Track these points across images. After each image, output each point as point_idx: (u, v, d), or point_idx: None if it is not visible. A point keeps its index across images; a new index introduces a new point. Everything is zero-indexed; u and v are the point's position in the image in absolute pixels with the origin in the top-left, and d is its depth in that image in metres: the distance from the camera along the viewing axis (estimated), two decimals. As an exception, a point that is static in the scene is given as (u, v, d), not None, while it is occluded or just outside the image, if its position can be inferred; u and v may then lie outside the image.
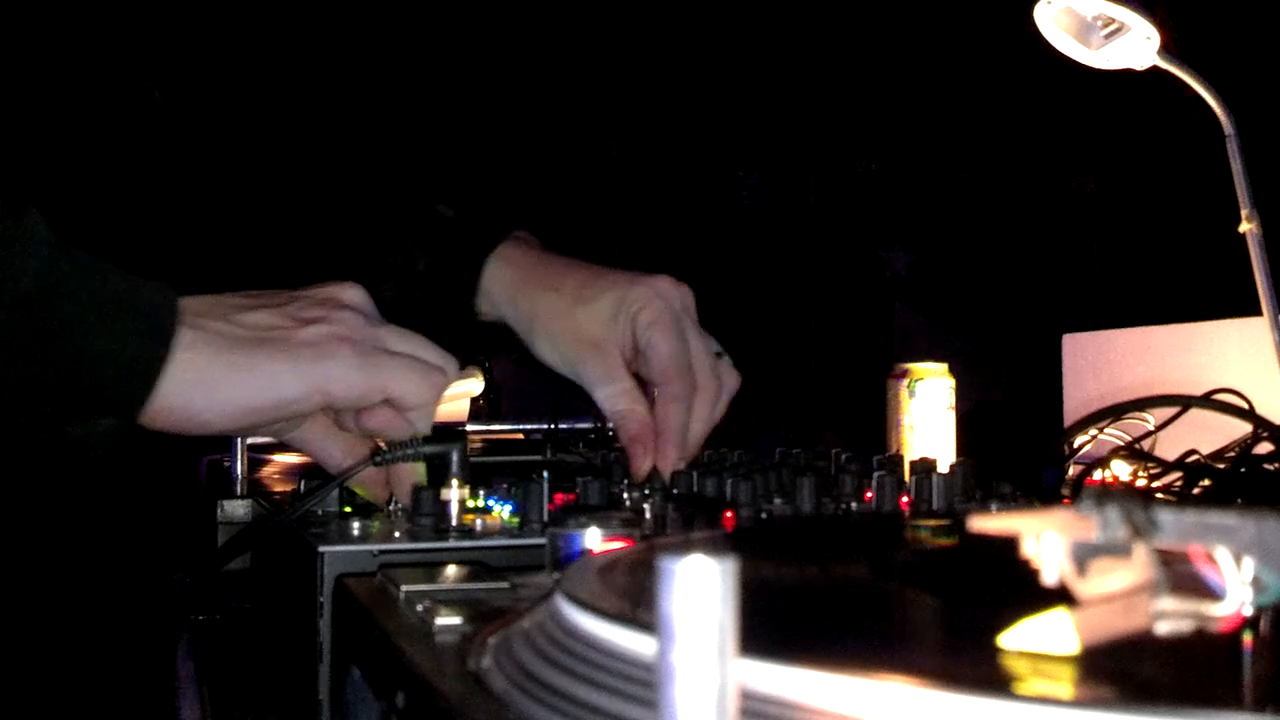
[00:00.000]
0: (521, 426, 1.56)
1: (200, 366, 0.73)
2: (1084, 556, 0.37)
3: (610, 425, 0.96)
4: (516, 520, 0.79)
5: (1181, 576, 0.37)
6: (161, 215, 0.96)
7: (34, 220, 0.69)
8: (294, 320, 0.78)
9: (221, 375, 0.74)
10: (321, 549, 0.69)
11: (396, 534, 0.73)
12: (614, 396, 0.93)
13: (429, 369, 0.81)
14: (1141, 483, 1.13)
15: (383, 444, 0.84)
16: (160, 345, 0.71)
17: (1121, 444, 1.23)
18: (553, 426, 1.41)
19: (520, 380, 1.51)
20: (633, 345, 0.95)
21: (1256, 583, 0.37)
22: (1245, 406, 1.17)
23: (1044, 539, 0.38)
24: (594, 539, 0.58)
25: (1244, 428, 1.13)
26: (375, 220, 1.02)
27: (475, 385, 1.44)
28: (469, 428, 1.41)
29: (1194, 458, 1.11)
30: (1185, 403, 1.20)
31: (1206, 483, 1.05)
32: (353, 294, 0.83)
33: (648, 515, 0.76)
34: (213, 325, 0.75)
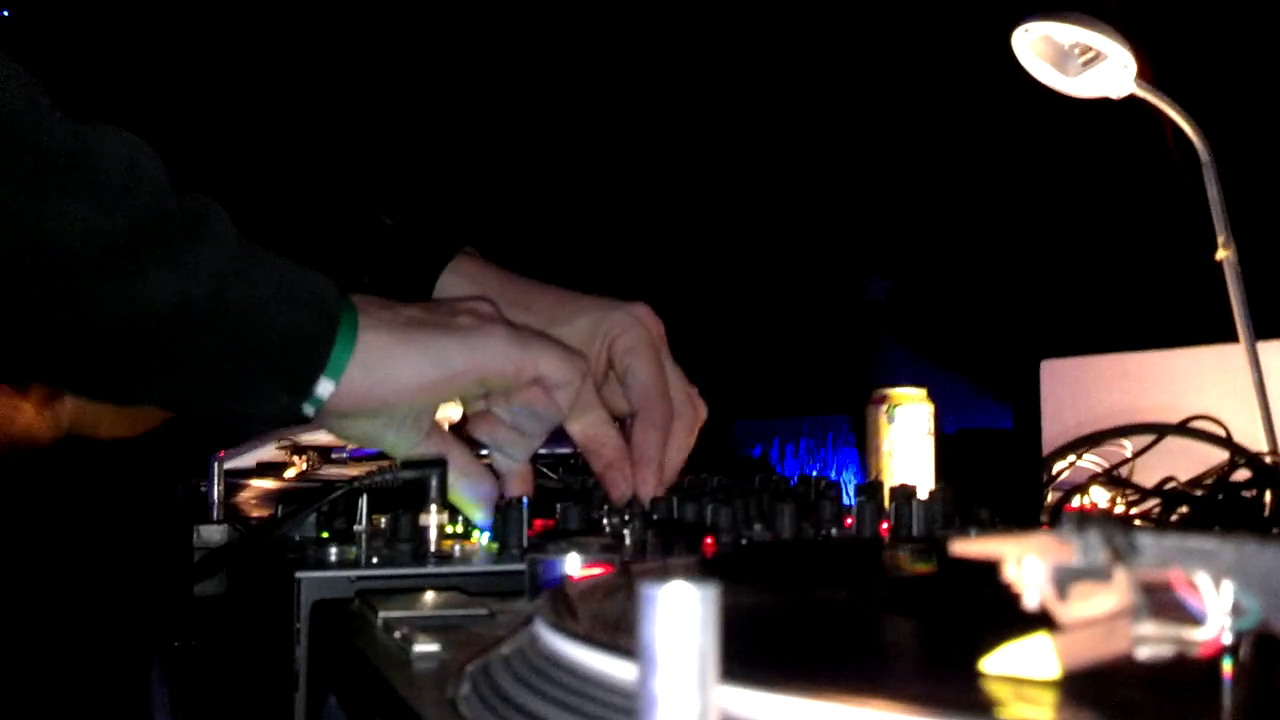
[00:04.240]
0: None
1: (380, 345, 0.77)
2: (1065, 581, 0.37)
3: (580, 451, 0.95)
4: (495, 546, 0.78)
5: (1162, 601, 0.37)
6: None
7: (218, 210, 0.72)
8: (443, 313, 0.83)
9: (400, 352, 0.78)
10: (298, 574, 0.68)
11: (374, 560, 0.73)
12: (588, 422, 0.92)
13: (571, 352, 0.86)
14: (1120, 509, 1.14)
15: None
16: (329, 325, 0.75)
17: (1099, 470, 1.24)
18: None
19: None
20: (604, 370, 0.95)
21: (1236, 608, 0.37)
22: (1222, 433, 1.17)
23: (1025, 563, 0.38)
24: (574, 565, 0.58)
25: (1221, 454, 1.13)
26: (310, 230, 1.01)
27: (455, 410, 1.43)
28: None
29: (1172, 484, 1.11)
30: (1162, 431, 1.21)
31: (1184, 510, 1.06)
32: (487, 302, 0.88)
33: (627, 541, 0.76)
34: (379, 313, 0.79)
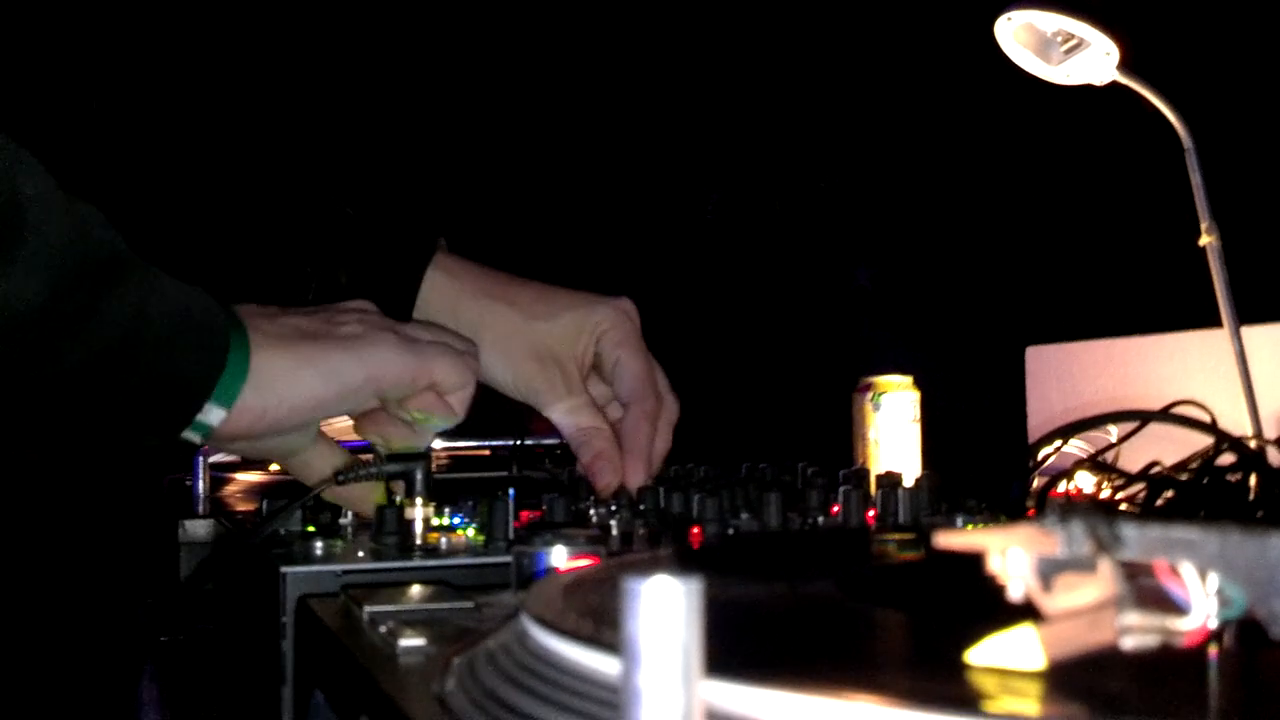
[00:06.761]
0: (487, 443, 1.56)
1: (272, 366, 0.75)
2: (1049, 572, 0.37)
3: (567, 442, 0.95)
4: (481, 538, 0.78)
5: (1146, 591, 0.37)
6: None
7: (121, 242, 0.70)
8: (328, 322, 0.81)
9: (292, 370, 0.76)
10: (284, 569, 0.68)
11: (360, 554, 0.73)
12: (576, 413, 0.92)
13: (462, 354, 0.84)
14: (1105, 495, 1.14)
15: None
16: (217, 358, 0.73)
17: (1085, 456, 1.24)
18: (519, 442, 1.41)
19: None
20: (590, 364, 0.95)
21: (1221, 596, 0.37)
22: (1207, 419, 1.18)
23: (1009, 555, 0.38)
24: (560, 557, 0.58)
25: (1206, 439, 1.13)
26: (276, 226, 0.98)
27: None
28: (434, 444, 1.40)
29: (1157, 469, 1.11)
30: (1146, 416, 1.21)
31: (1170, 494, 1.06)
32: (368, 304, 0.86)
33: (614, 532, 0.76)
34: (265, 326, 0.77)
